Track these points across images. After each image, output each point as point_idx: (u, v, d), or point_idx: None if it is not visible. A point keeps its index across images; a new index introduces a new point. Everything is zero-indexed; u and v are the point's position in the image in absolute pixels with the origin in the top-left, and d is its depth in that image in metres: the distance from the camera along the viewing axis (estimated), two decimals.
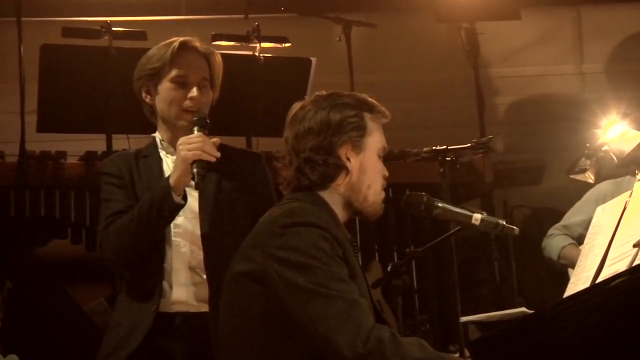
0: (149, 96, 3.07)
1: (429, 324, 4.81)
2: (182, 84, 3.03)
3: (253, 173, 3.12)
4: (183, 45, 3.05)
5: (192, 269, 2.97)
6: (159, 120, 3.10)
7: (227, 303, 2.39)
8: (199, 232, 2.98)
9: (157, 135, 3.11)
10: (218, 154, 2.91)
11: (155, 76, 3.04)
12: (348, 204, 2.47)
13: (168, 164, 3.06)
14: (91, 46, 4.51)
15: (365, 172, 2.47)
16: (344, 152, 2.45)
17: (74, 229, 4.52)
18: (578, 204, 4.37)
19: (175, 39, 3.07)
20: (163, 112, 3.05)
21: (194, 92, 3.02)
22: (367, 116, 2.50)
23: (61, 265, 4.98)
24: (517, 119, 6.78)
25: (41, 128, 4.48)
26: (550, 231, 4.41)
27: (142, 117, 3.19)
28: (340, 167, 2.44)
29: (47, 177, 4.50)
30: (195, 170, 2.85)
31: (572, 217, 4.36)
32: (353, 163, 2.46)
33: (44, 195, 4.46)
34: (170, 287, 2.95)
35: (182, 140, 2.91)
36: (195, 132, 2.93)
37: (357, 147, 2.46)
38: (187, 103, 3.02)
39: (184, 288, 2.96)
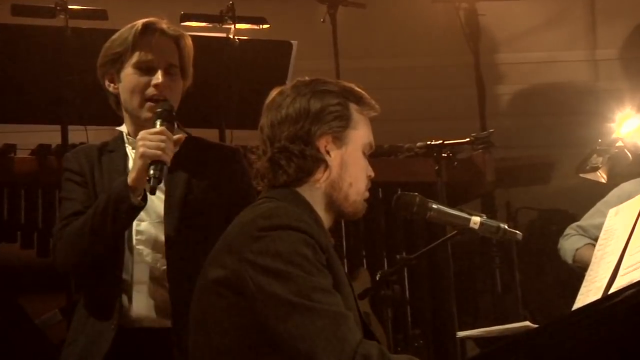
0: (112, 85, 3.06)
1: (422, 339, 4.83)
2: (146, 69, 3.01)
3: (229, 171, 3.10)
4: (147, 27, 3.04)
5: (155, 280, 2.96)
6: (124, 112, 3.09)
7: (197, 315, 2.38)
8: (163, 238, 2.97)
9: (124, 129, 3.11)
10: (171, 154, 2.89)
11: (118, 62, 3.03)
12: (330, 204, 2.47)
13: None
14: (44, 26, 4.50)
15: (347, 168, 2.47)
16: (323, 143, 2.45)
17: (25, 231, 4.50)
18: (598, 204, 4.37)
19: (139, 21, 3.07)
20: (126, 103, 3.04)
21: (158, 77, 3.00)
22: (352, 107, 2.49)
23: (10, 273, 4.96)
24: (522, 110, 6.81)
25: None
26: (566, 231, 4.42)
27: (101, 106, 3.19)
28: (319, 160, 2.44)
29: None
30: (151, 172, 2.83)
31: (590, 218, 4.37)
32: (333, 157, 2.46)
33: None
34: (130, 300, 2.94)
35: (142, 134, 2.89)
36: (158, 125, 2.91)
37: (339, 140, 2.46)
38: (151, 90, 3.00)
39: (145, 302, 2.95)
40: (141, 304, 2.94)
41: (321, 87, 2.48)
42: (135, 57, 3.01)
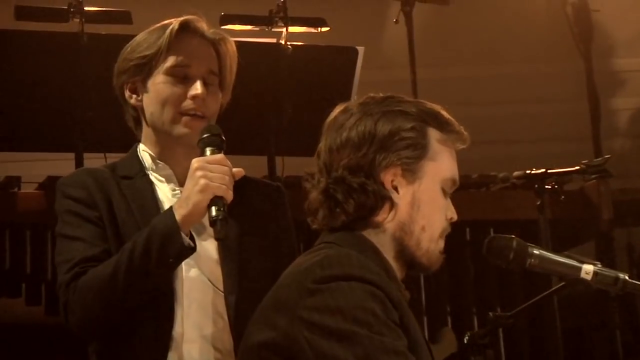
0: (134, 96, 3.09)
1: None
2: (181, 77, 3.04)
3: (275, 214, 3.16)
4: (185, 26, 3.07)
5: (207, 339, 2.97)
6: (148, 130, 3.11)
7: None
8: (220, 287, 2.99)
9: (143, 149, 3.12)
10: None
11: (145, 67, 3.05)
12: (401, 251, 2.48)
13: (165, 192, 3.07)
14: (56, 32, 4.55)
15: (419, 209, 2.47)
16: (389, 177, 2.45)
17: (30, 284, 4.54)
18: None
19: (173, 19, 3.10)
20: (154, 117, 3.06)
21: (197, 87, 3.03)
22: (432, 134, 2.49)
23: (13, 333, 5.02)
24: None
25: None
26: None
27: (124, 129, 3.22)
28: (383, 197, 2.44)
29: None
30: (214, 213, 2.81)
31: None
32: (402, 194, 2.46)
33: None
34: None
35: (199, 163, 2.88)
36: (208, 153, 2.92)
37: (410, 173, 2.46)
38: (188, 103, 3.03)
39: None
40: None
41: (394, 107, 2.49)
42: (169, 62, 3.04)
